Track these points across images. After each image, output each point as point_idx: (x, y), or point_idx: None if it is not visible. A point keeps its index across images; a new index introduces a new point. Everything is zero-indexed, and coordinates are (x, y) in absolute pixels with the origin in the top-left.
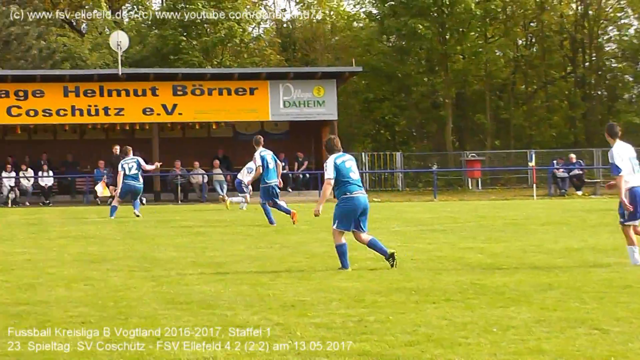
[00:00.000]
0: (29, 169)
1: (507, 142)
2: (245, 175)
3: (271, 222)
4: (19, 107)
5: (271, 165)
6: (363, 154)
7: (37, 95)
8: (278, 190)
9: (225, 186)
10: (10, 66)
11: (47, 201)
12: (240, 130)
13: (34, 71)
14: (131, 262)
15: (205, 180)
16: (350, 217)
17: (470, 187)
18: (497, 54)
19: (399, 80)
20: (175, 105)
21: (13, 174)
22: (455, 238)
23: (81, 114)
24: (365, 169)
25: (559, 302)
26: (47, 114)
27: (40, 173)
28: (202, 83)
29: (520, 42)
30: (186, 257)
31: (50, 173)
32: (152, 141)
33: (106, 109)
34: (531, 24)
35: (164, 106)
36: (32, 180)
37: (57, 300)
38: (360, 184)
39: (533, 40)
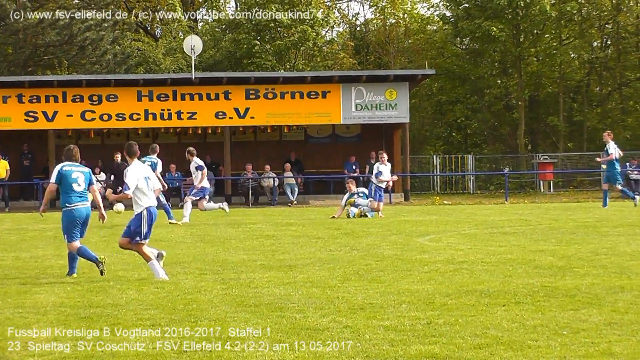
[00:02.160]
0: (102, 173)
1: (580, 145)
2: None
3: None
4: (92, 112)
5: None
6: (434, 156)
7: (110, 99)
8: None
9: (296, 190)
10: (85, 71)
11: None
12: (312, 134)
13: (108, 76)
14: (201, 265)
15: (276, 183)
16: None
17: (542, 190)
18: (572, 55)
19: (472, 83)
20: (247, 109)
21: None
22: (526, 241)
23: (154, 118)
24: (437, 172)
25: (631, 305)
26: (120, 118)
27: (112, 177)
28: (275, 87)
29: (595, 43)
30: (256, 259)
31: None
32: (224, 145)
33: (179, 113)
34: (607, 25)
35: (237, 110)
36: (104, 184)
37: (127, 302)
38: None
39: (608, 41)
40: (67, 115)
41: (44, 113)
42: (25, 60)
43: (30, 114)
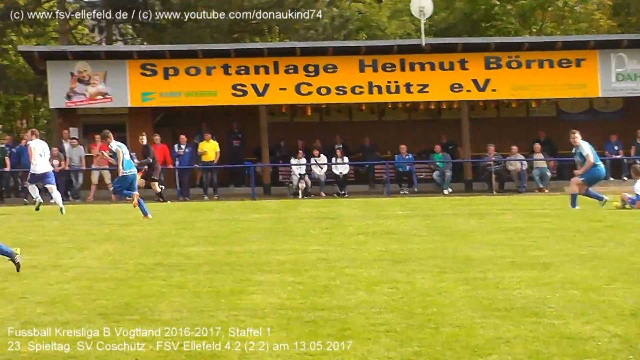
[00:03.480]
0: (322, 155)
1: None
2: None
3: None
4: (309, 85)
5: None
6: None
7: (329, 70)
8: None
9: (548, 174)
10: (299, 37)
11: (343, 192)
12: (564, 109)
13: (326, 43)
14: (440, 262)
15: (525, 167)
16: None
17: None
18: None
19: None
20: (487, 81)
21: (304, 160)
22: None
23: (379, 92)
24: None
25: None
26: (340, 92)
27: (333, 160)
28: (519, 54)
29: None
30: (504, 256)
31: (346, 159)
32: (461, 122)
33: (408, 86)
34: None
35: (475, 81)
36: (325, 167)
37: (357, 305)
38: None
39: None
40: (280, 89)
41: (254, 86)
42: (230, 25)
43: (238, 87)
